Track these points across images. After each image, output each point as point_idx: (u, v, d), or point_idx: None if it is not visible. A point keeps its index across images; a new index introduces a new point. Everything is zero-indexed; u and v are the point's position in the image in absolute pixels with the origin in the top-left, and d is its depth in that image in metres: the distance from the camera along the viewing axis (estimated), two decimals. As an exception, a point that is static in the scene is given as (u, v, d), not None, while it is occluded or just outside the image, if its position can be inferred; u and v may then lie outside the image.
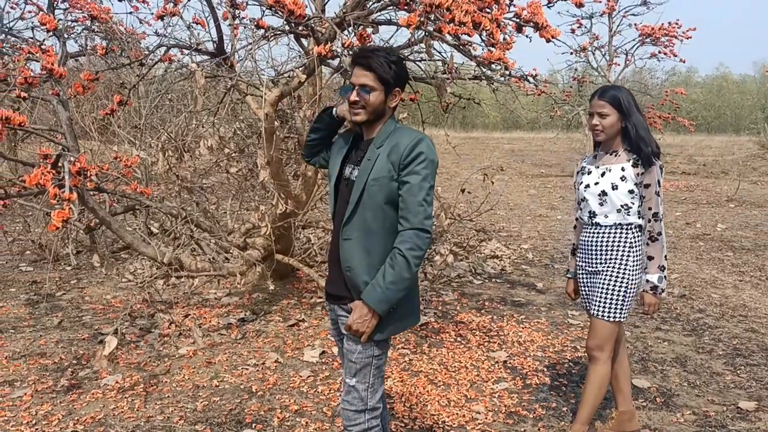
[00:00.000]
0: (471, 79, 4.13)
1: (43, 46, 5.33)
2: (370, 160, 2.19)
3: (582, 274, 3.06)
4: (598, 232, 2.95)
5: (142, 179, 6.24)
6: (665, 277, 2.87)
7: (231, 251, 4.63)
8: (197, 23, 4.79)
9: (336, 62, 3.76)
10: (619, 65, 14.50)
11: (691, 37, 12.72)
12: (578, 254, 3.09)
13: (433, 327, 4.78)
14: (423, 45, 3.78)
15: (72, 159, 3.32)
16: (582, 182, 3.01)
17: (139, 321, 4.83)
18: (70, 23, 7.58)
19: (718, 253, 7.51)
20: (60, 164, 3.33)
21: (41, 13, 7.42)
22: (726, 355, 4.29)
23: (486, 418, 3.39)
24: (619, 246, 2.89)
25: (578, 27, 13.87)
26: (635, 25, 13.37)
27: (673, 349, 4.40)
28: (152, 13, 4.55)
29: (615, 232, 2.90)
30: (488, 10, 3.55)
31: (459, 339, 4.56)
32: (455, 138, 26.36)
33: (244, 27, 4.42)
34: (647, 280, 2.86)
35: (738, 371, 4.02)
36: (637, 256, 2.88)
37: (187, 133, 6.41)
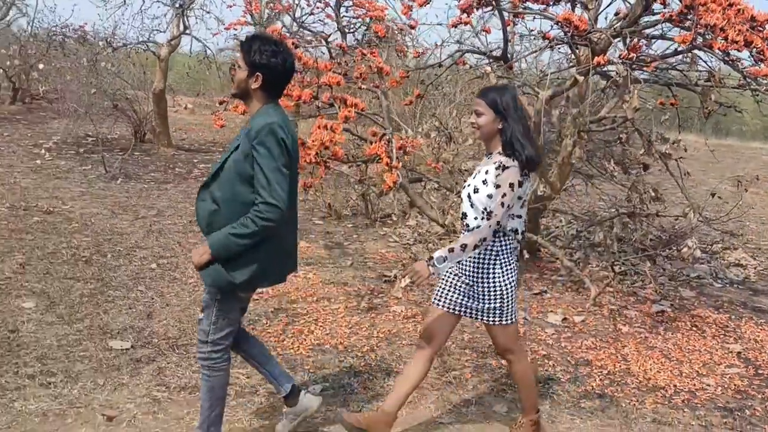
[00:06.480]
0: (734, 87, 4.45)
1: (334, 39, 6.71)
2: (237, 139, 2.56)
3: (452, 277, 2.98)
4: None
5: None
6: (446, 258, 2.68)
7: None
8: (484, 31, 5.73)
9: (612, 68, 4.28)
10: None
11: None
12: None
13: (669, 316, 5.18)
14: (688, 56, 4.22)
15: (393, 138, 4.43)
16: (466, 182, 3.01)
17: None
18: (351, 19, 8.98)
19: None
20: (387, 140, 4.46)
21: (327, 9, 8.90)
22: None
23: (715, 391, 3.83)
24: (486, 252, 2.82)
25: None
26: None
27: None
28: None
29: None
30: (760, 28, 3.91)
31: (694, 329, 4.92)
32: (705, 145, 24.52)
33: (521, 37, 5.23)
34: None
35: None
36: (504, 261, 2.84)
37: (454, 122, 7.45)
